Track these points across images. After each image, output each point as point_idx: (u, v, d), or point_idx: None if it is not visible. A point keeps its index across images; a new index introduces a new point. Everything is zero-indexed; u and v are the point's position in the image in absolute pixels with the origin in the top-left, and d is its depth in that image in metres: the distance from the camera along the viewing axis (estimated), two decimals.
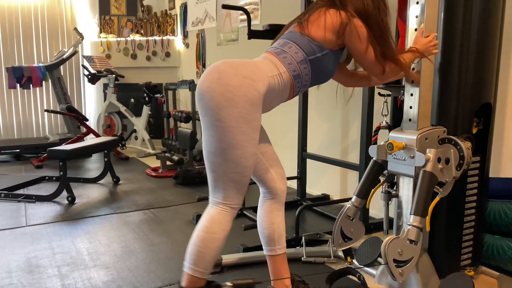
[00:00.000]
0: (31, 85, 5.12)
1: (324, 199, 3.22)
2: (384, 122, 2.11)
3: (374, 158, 1.83)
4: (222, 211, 1.35)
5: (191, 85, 4.80)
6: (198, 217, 2.70)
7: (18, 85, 5.08)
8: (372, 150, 1.82)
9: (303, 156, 3.05)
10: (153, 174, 4.20)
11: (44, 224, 2.69)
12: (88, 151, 3.45)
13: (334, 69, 1.50)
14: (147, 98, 5.43)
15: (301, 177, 3.09)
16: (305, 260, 2.11)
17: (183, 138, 4.41)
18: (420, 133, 1.67)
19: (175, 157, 4.27)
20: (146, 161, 5.00)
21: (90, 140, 3.76)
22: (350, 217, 1.83)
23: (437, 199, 1.64)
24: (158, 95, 5.43)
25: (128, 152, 5.44)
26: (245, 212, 2.84)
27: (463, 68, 1.75)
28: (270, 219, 1.55)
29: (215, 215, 1.35)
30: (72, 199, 3.19)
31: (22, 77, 5.02)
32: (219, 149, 1.29)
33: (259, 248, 2.09)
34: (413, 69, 1.69)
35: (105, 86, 5.79)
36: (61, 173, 3.20)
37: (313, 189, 3.35)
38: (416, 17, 1.67)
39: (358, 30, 1.40)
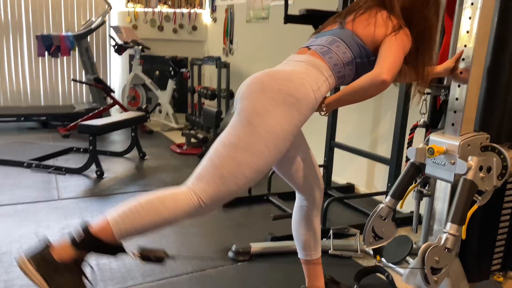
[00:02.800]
0: (59, 53, 5.17)
1: (349, 189, 3.23)
2: (422, 120, 2.08)
3: (412, 160, 1.81)
4: (189, 197, 1.17)
5: (218, 62, 4.77)
6: (226, 205, 2.73)
7: (46, 53, 5.13)
8: (411, 152, 1.79)
9: (331, 145, 3.04)
10: (178, 150, 4.24)
11: (75, 198, 2.77)
12: (117, 127, 3.49)
13: None
14: (172, 72, 5.43)
15: (327, 166, 3.09)
16: (332, 253, 2.14)
17: (208, 116, 4.42)
18: (463, 139, 1.64)
19: (200, 135, 4.30)
20: (170, 136, 5.05)
21: (118, 115, 3.79)
22: (383, 217, 1.83)
23: (475, 207, 1.62)
24: (183, 70, 5.42)
25: (152, 125, 5.48)
26: (270, 198, 2.87)
27: None
28: (307, 226, 1.56)
29: (181, 195, 1.18)
30: (100, 173, 3.26)
31: (51, 46, 5.05)
32: (233, 144, 1.19)
33: (287, 238, 2.13)
34: (461, 72, 1.64)
35: (131, 57, 5.80)
36: (90, 147, 3.25)
37: (338, 177, 3.35)
38: (470, 18, 1.61)
39: (403, 39, 1.32)
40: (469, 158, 1.61)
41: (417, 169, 1.82)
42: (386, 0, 1.38)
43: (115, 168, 3.53)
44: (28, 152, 3.76)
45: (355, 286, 1.83)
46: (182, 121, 5.65)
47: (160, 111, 5.72)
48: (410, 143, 2.27)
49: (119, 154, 3.95)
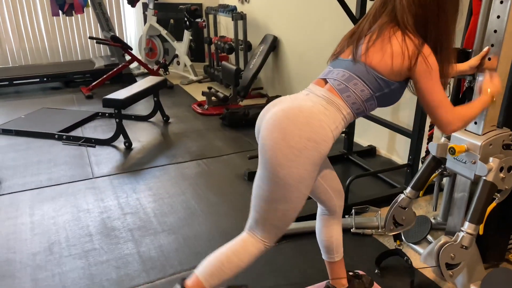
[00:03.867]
0: (73, 11, 5.09)
1: (370, 152, 3.28)
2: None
3: (433, 154, 1.85)
4: (257, 246, 1.38)
5: (235, 14, 4.63)
6: (250, 174, 2.85)
7: (60, 12, 5.06)
8: (432, 147, 1.83)
9: None
10: (199, 110, 4.30)
11: (108, 176, 2.93)
12: (140, 97, 3.54)
13: (400, 95, 1.43)
14: (188, 23, 5.31)
15: (349, 131, 3.12)
16: (354, 232, 2.26)
17: (227, 74, 4.41)
18: (485, 139, 1.65)
19: (220, 94, 4.33)
20: (190, 91, 5.09)
21: (140, 83, 3.82)
22: (403, 207, 1.91)
23: (493, 204, 1.68)
24: (198, 19, 5.30)
25: (171, 78, 5.51)
26: None
27: None
28: (329, 233, 1.65)
29: (249, 245, 1.39)
30: (129, 145, 3.39)
31: (64, 4, 4.97)
32: (270, 199, 1.31)
33: (309, 217, 2.25)
34: (489, 59, 1.61)
35: (145, 7, 5.66)
36: (117, 120, 3.35)
37: (360, 138, 3.39)
38: (501, 3, 1.54)
39: (429, 61, 1.27)
40: (490, 159, 1.65)
41: (438, 162, 1.86)
42: (398, 16, 1.30)
43: (141, 136, 3.66)
44: (56, 121, 3.90)
45: (376, 270, 1.97)
46: (201, 71, 5.64)
47: (178, 63, 5.70)
48: (430, 139, 2.27)
49: (144, 118, 4.05)
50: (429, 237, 2.20)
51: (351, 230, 2.27)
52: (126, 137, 3.40)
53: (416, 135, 2.53)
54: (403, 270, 1.98)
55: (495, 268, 1.82)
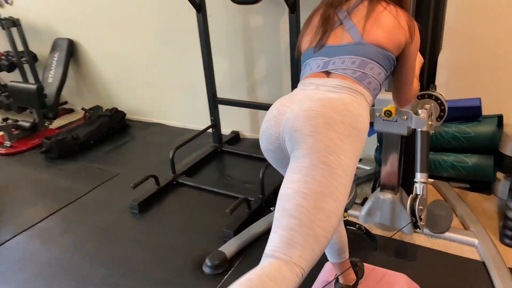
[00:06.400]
0: None
1: (236, 138, 3.20)
2: None
3: None
4: (293, 273, 0.97)
5: (4, 22, 3.63)
6: (141, 204, 2.37)
7: None
8: None
9: (215, 102, 2.86)
10: (2, 151, 3.30)
11: None
12: None
13: None
14: None
15: (216, 124, 2.94)
16: None
17: (25, 95, 3.49)
18: None
19: (25, 123, 3.42)
20: None
21: None
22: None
23: None
24: None
25: None
26: (179, 180, 2.63)
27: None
28: (339, 233, 1.52)
29: (287, 274, 0.98)
30: None
31: None
32: (315, 193, 1.00)
33: (247, 223, 2.06)
34: None
35: None
36: None
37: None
38: None
39: (419, 36, 1.25)
40: (420, 111, 1.79)
41: None
42: None
43: None
44: None
45: None
46: None
47: None
48: None
49: None
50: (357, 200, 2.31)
51: None
52: None
53: None
54: (361, 238, 2.04)
55: (433, 201, 2.02)
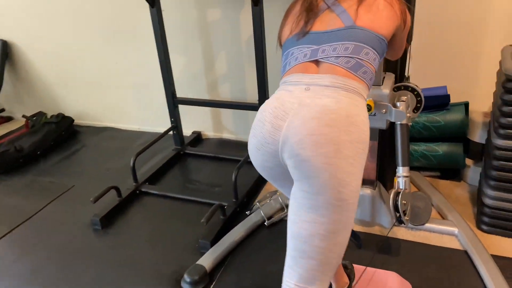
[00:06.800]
0: None
1: (198, 138, 3.04)
2: None
3: None
4: None
5: None
6: (103, 219, 2.17)
7: None
8: None
9: (175, 103, 2.69)
10: None
11: None
12: None
13: None
14: None
15: (177, 125, 2.77)
16: (269, 224, 2.09)
17: None
18: (387, 88, 1.73)
19: None
20: None
21: None
22: None
23: None
24: None
25: None
26: (143, 189, 2.44)
27: None
28: None
29: None
30: None
31: None
32: (331, 232, 1.02)
33: (224, 231, 1.94)
34: None
35: None
36: None
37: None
38: None
39: (408, 16, 1.21)
40: (398, 104, 1.75)
41: None
42: None
43: None
44: None
45: None
46: None
47: None
48: None
49: None
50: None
51: (265, 224, 2.08)
52: None
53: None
54: None
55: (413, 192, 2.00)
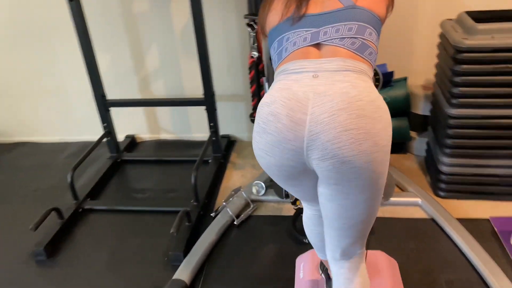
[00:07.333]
0: None
1: (131, 144, 2.79)
2: (256, 55, 1.97)
3: None
4: (362, 261, 1.23)
5: None
6: (48, 248, 1.86)
7: None
8: None
9: (106, 106, 2.41)
10: None
11: None
12: None
13: None
14: None
15: (110, 131, 2.49)
16: (239, 223, 1.98)
17: None
18: None
19: None
20: None
21: None
22: None
23: None
24: None
25: None
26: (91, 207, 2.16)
27: None
28: None
29: (362, 266, 1.23)
30: None
31: None
32: (371, 216, 1.08)
33: (194, 239, 1.80)
34: None
35: None
36: None
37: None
38: None
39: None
40: None
41: None
42: None
43: None
44: None
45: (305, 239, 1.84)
46: None
47: None
48: (253, 82, 2.13)
49: None
50: None
51: (235, 223, 1.97)
52: None
53: (210, 101, 2.31)
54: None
55: None
